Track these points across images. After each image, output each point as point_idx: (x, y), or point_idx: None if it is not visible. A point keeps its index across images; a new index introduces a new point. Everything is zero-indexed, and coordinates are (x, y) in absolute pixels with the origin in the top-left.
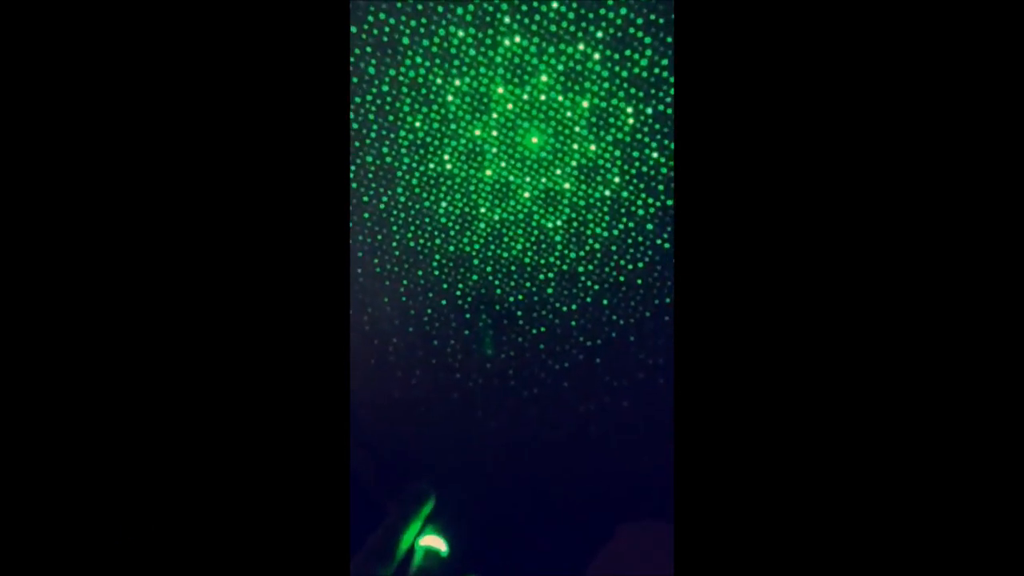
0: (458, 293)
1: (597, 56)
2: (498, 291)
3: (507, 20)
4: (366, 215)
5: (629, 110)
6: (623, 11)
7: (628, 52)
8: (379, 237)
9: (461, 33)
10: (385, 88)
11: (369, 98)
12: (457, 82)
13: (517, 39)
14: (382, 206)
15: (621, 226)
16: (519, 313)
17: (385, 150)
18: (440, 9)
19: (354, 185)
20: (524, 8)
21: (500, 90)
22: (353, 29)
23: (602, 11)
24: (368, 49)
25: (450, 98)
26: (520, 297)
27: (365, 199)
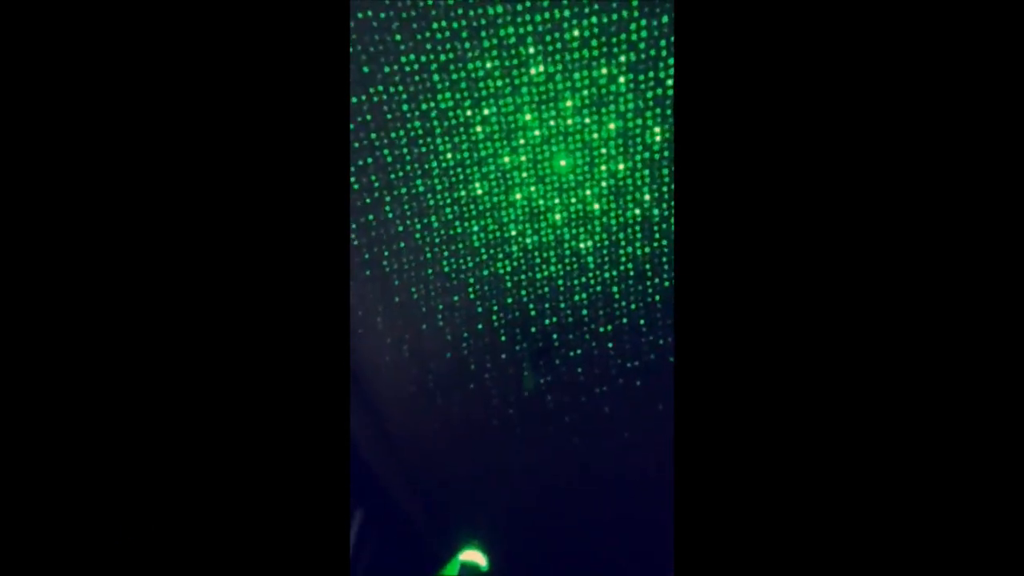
0: (493, 317)
1: (622, 79)
2: (533, 313)
3: (531, 51)
4: (401, 244)
5: (656, 129)
6: (644, 34)
7: (652, 73)
8: (414, 263)
9: (488, 64)
10: (417, 123)
11: (402, 132)
12: (486, 111)
13: (542, 67)
14: (417, 234)
15: (655, 244)
16: (555, 336)
17: (418, 180)
18: (467, 45)
19: (390, 215)
20: (548, 38)
21: (528, 117)
22: (386, 69)
23: (623, 35)
24: (400, 88)
25: (479, 128)
26: (555, 320)
27: (400, 228)
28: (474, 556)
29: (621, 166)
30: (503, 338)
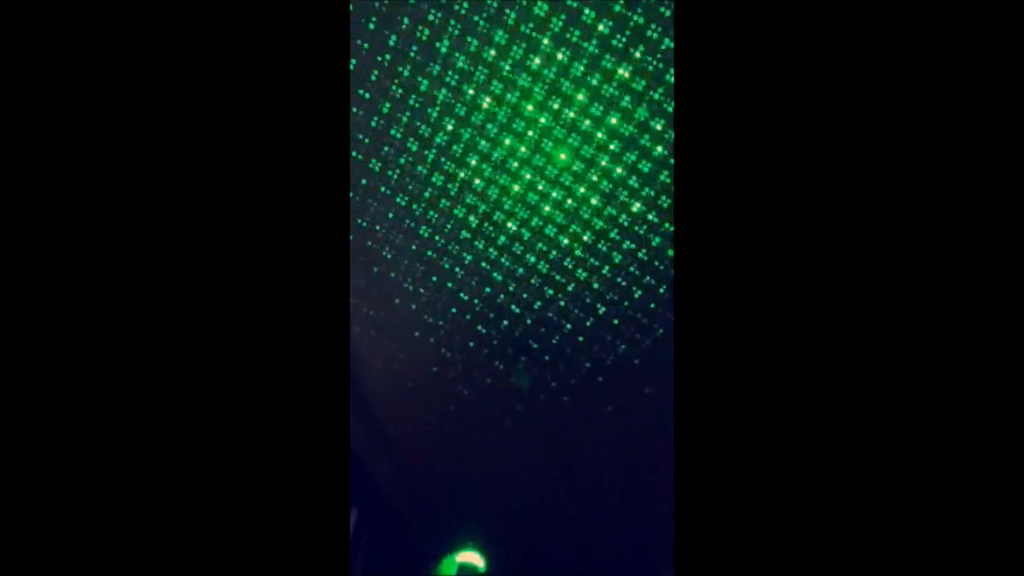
0: (475, 301)
1: (626, 74)
2: (513, 307)
3: (545, 41)
4: (390, 215)
5: (657, 128)
6: (667, 42)
7: (658, 73)
8: (400, 245)
9: (497, 49)
10: (423, 89)
11: (405, 105)
12: (489, 97)
13: (551, 57)
14: (404, 212)
15: (647, 245)
16: (528, 322)
17: (413, 158)
18: (482, 23)
19: (382, 189)
20: (560, 26)
21: (531, 107)
22: (393, 38)
23: (634, 32)
24: (412, 53)
25: (481, 111)
26: (535, 310)
27: (402, 204)
28: (471, 558)
29: (619, 164)
30: (479, 326)
